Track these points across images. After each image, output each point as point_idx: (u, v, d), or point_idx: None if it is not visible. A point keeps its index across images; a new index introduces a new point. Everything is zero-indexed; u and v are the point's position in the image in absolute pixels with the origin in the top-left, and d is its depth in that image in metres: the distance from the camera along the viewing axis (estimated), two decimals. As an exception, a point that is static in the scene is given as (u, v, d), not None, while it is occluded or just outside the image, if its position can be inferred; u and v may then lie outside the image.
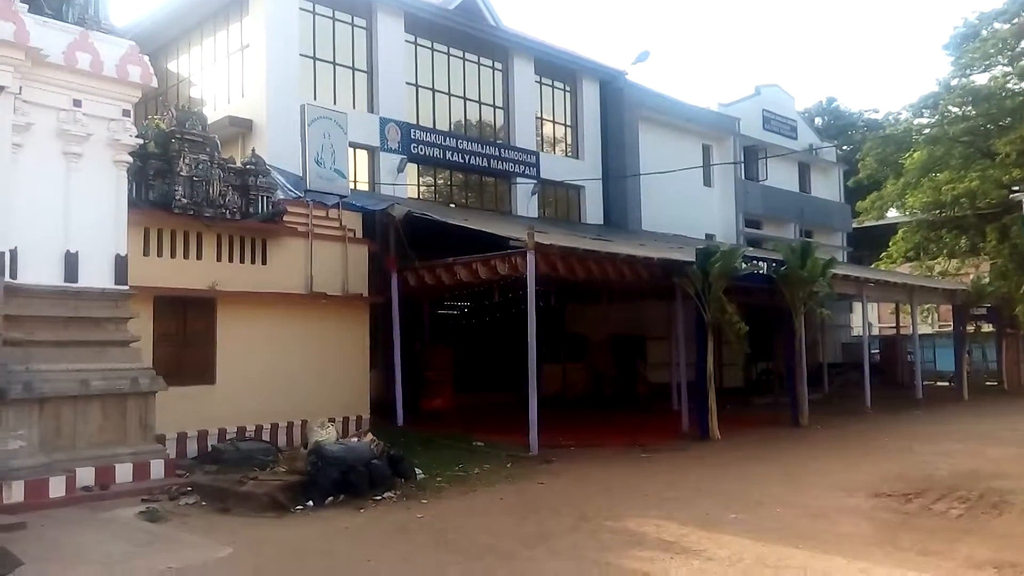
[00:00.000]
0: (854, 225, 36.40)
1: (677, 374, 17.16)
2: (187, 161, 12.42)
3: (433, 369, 18.98)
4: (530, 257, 12.78)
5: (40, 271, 10.05)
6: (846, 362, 28.29)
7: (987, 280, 26.08)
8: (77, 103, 10.42)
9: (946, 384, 26.93)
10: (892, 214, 35.56)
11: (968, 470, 11.19)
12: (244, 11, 19.30)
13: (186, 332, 12.61)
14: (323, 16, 19.74)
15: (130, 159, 11.11)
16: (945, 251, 31.54)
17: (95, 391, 10.05)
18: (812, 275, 16.72)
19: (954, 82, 29.90)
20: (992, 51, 28.62)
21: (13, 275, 9.66)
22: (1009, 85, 28.74)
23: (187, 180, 12.39)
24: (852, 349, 30.03)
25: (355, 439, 11.26)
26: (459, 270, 14.49)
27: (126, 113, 10.94)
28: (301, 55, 19.06)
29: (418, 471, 10.65)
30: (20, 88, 9.77)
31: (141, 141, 11.51)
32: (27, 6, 9.84)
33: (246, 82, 19.28)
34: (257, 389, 13.04)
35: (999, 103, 28.13)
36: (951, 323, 26.74)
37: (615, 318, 22.65)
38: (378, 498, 9.33)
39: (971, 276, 27.65)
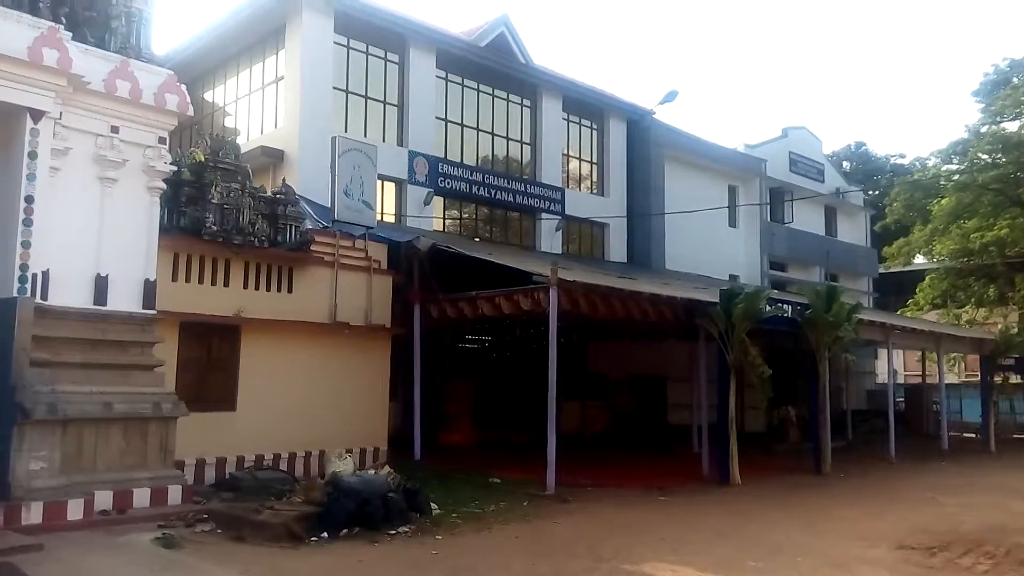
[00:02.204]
0: (880, 270, 36.12)
1: (698, 416, 16.98)
2: (219, 189, 12.60)
3: (452, 403, 18.96)
4: (553, 293, 12.77)
5: (70, 293, 10.18)
6: (870, 409, 27.86)
7: (1016, 330, 25.67)
8: (115, 129, 10.63)
9: (972, 435, 26.41)
10: (919, 260, 35.26)
11: (995, 524, 10.93)
12: (280, 44, 19.72)
13: (210, 358, 12.68)
14: (357, 51, 20.11)
15: (163, 186, 11.29)
16: (973, 299, 31.16)
17: (118, 414, 10.12)
18: (837, 320, 16.55)
19: (984, 129, 29.78)
20: (1023, 99, 28.51)
21: (44, 296, 9.81)
22: (1041, 134, 28.59)
23: (218, 208, 12.56)
24: (877, 396, 29.59)
25: (372, 471, 11.24)
26: (482, 304, 14.50)
27: (162, 140, 11.14)
28: (334, 88, 19.39)
29: (434, 506, 10.57)
30: (60, 113, 10.00)
31: (175, 168, 11.72)
32: (71, 34, 10.11)
33: (280, 113, 19.63)
34: (277, 417, 13.07)
35: (1030, 152, 27.96)
36: (978, 373, 26.30)
37: (637, 357, 22.52)
38: (393, 532, 9.27)
39: (999, 326, 27.24)
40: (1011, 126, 29.41)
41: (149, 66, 11.04)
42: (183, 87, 11.33)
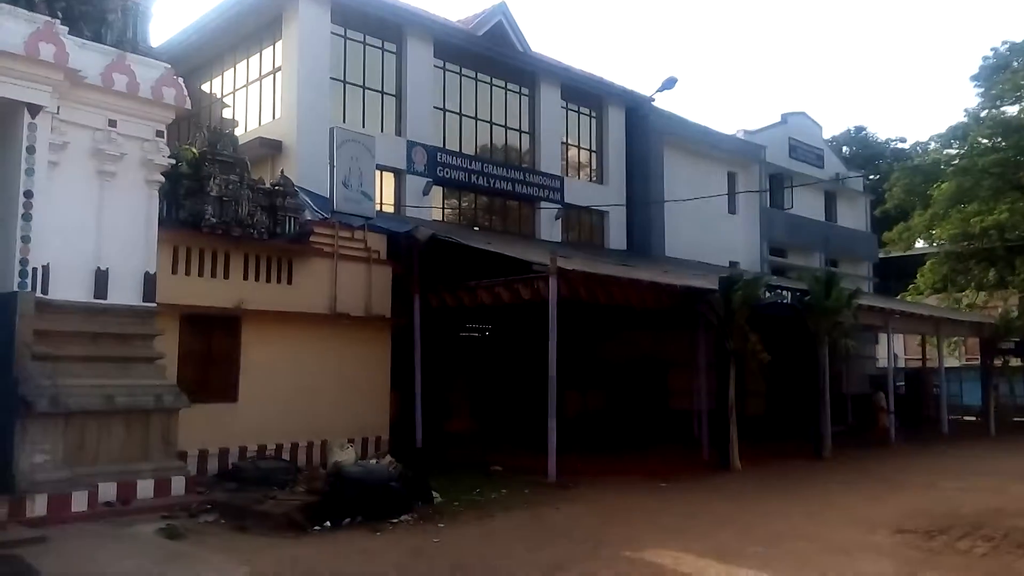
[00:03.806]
0: (881, 255, 36.07)
1: (699, 402, 17.05)
2: (217, 181, 12.61)
3: (453, 392, 19.02)
4: (552, 282, 12.80)
5: (70, 287, 10.23)
6: (871, 393, 27.89)
7: (1015, 314, 25.72)
8: (112, 123, 10.65)
9: (973, 419, 26.50)
10: (919, 245, 35.26)
11: (993, 508, 11.00)
12: (277, 35, 19.63)
13: (211, 350, 12.73)
14: (354, 40, 20.03)
15: (162, 179, 11.31)
16: (973, 283, 31.18)
17: (120, 407, 10.17)
18: (837, 305, 16.61)
19: (984, 113, 29.74)
20: (1023, 82, 28.43)
21: (44, 291, 9.85)
22: (1041, 117, 28.54)
23: (217, 200, 12.57)
24: (877, 381, 29.65)
25: (374, 461, 11.33)
26: (481, 293, 14.55)
27: (159, 134, 11.15)
28: (332, 78, 19.32)
29: (435, 495, 10.65)
30: (58, 108, 10.01)
31: (174, 161, 11.72)
32: (67, 28, 10.10)
33: (277, 104, 19.58)
34: (279, 408, 13.13)
35: (1030, 135, 27.92)
36: (978, 357, 26.36)
37: (638, 344, 22.54)
38: (395, 521, 9.34)
39: (999, 309, 27.29)
40: (1011, 110, 29.38)
41: (146, 59, 11.04)
42: (180, 80, 11.32)
